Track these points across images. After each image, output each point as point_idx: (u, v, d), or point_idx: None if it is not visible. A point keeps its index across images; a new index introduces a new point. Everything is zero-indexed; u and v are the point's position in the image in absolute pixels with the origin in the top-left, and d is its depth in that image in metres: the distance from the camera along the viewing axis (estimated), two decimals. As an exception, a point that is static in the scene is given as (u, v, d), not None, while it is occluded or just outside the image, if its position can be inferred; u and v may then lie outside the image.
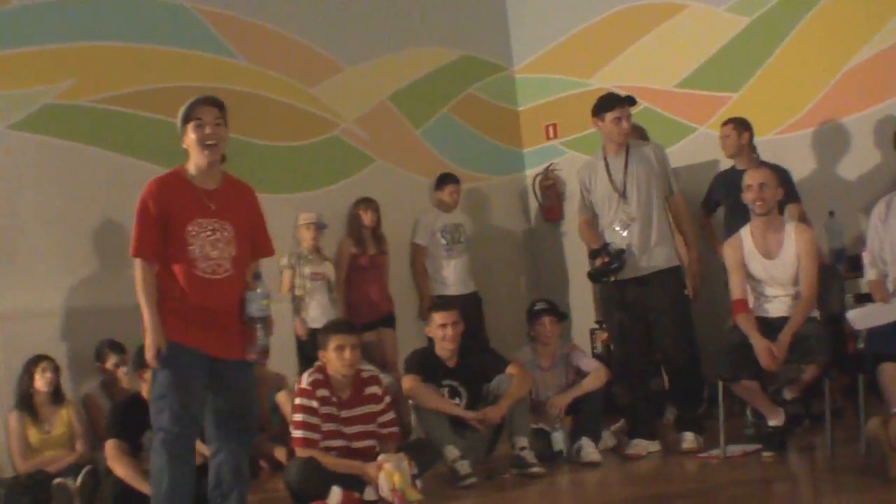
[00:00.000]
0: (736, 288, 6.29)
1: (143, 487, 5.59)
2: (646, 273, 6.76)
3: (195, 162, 4.73)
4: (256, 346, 4.71)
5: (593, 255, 6.85)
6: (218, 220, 4.68)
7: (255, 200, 4.95)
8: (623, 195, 6.80)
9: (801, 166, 8.31)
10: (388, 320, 8.61)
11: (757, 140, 8.12)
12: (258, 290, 4.73)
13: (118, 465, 6.00)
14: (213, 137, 4.66)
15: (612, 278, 6.77)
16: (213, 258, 4.64)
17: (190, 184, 4.71)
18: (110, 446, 6.08)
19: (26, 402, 6.87)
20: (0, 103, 7.36)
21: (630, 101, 6.91)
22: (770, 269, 6.22)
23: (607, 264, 6.70)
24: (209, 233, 4.64)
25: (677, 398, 7.09)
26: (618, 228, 6.80)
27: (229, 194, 4.80)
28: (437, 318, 6.71)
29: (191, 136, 4.68)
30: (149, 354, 4.60)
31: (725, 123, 8.03)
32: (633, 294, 6.79)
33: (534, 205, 10.39)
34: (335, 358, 6.01)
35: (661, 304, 6.76)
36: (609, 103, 6.88)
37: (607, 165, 6.90)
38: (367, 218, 8.56)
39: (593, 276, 6.88)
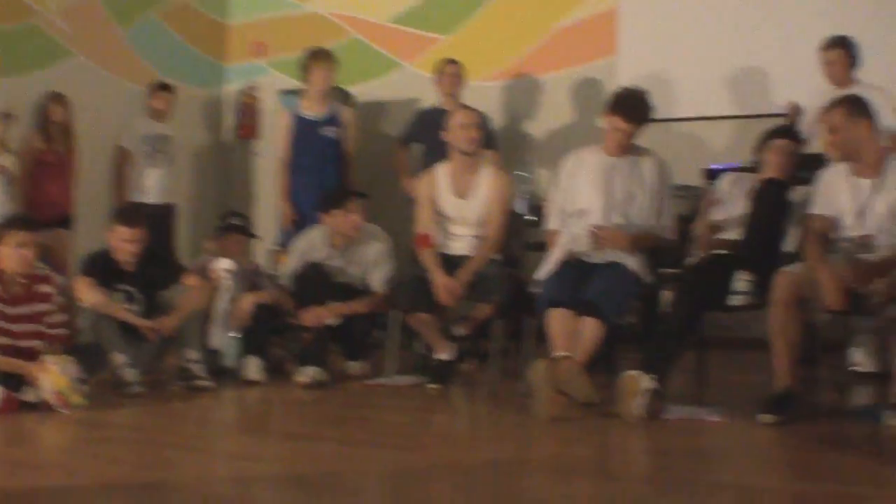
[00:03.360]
0: (422, 222, 6.40)
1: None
2: None
3: None
4: None
5: None
6: None
7: None
8: None
9: (500, 116, 8.52)
10: (66, 221, 8.28)
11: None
12: None
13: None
14: None
15: None
16: None
17: None
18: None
19: None
20: None
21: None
22: (460, 209, 6.35)
23: None
24: None
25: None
26: None
27: None
28: (121, 232, 6.45)
29: None
30: None
31: (453, 62, 8.07)
32: None
33: (227, 121, 10.23)
34: (12, 255, 5.72)
35: None
36: None
37: None
38: (56, 113, 8.16)
39: None
